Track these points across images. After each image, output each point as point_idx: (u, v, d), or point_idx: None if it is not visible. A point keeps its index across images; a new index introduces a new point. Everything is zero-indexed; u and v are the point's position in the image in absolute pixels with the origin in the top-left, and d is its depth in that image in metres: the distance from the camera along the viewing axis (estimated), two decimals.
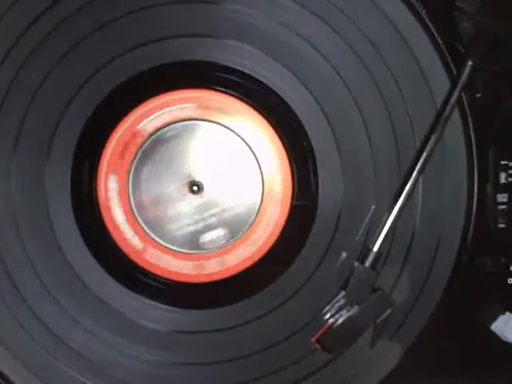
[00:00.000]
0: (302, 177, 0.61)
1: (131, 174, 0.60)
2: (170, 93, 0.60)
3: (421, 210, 0.60)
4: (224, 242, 0.60)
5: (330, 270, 0.60)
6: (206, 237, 0.60)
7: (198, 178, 0.60)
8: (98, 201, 0.60)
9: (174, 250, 0.60)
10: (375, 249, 0.57)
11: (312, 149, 0.60)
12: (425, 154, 0.57)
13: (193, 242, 0.60)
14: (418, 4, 0.59)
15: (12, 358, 0.60)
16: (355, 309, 0.57)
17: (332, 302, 0.58)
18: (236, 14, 0.59)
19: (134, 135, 0.60)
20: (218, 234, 0.60)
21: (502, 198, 0.62)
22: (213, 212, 0.60)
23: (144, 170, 0.60)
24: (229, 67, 0.60)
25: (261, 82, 0.60)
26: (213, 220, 0.60)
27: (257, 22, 0.59)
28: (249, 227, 0.60)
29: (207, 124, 0.60)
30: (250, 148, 0.60)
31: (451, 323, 0.61)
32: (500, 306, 0.62)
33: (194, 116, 0.60)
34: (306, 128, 0.60)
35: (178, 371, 0.61)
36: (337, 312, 0.58)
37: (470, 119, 0.60)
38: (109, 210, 0.60)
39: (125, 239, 0.60)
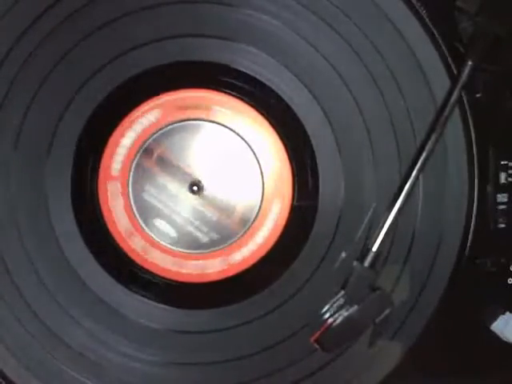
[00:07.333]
0: (303, 177, 0.61)
1: (131, 173, 0.60)
2: (170, 93, 0.60)
3: (421, 209, 0.60)
4: (224, 242, 0.61)
5: (329, 270, 0.60)
6: (206, 237, 0.60)
7: (198, 178, 0.60)
8: (98, 201, 0.60)
9: (174, 250, 0.60)
10: (374, 248, 0.57)
11: (312, 149, 0.60)
12: (425, 154, 0.57)
13: (193, 241, 0.60)
14: (418, 4, 0.59)
15: (12, 357, 0.60)
16: (354, 308, 0.57)
17: (331, 302, 0.58)
18: (237, 15, 0.59)
19: (135, 135, 0.60)
20: (218, 234, 0.60)
21: (502, 198, 0.61)
22: (213, 212, 0.60)
23: (144, 170, 0.60)
24: (229, 67, 0.60)
25: (261, 82, 0.60)
26: (213, 220, 0.60)
27: (257, 23, 0.59)
28: (249, 227, 0.60)
29: (207, 124, 0.60)
30: (250, 148, 0.60)
31: (451, 323, 0.61)
32: (500, 306, 0.62)
33: (195, 116, 0.60)
34: (306, 128, 0.60)
35: (178, 371, 0.61)
36: (336, 311, 0.58)
37: (470, 119, 0.60)
38: (109, 209, 0.60)
39: (125, 239, 0.60)
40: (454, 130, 0.59)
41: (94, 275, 0.60)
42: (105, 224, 0.60)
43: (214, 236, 0.60)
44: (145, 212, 0.60)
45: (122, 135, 0.60)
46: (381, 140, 0.60)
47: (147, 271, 0.61)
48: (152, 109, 0.60)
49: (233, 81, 0.60)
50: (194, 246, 0.61)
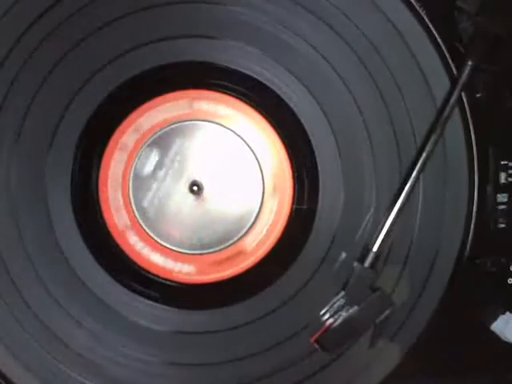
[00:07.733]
0: (303, 177, 0.61)
1: (132, 173, 0.60)
2: (170, 93, 0.60)
3: (421, 210, 0.60)
4: (224, 242, 0.60)
5: (330, 271, 0.60)
6: (206, 237, 0.60)
7: (198, 179, 0.60)
8: (99, 201, 0.60)
9: (173, 250, 0.60)
10: (375, 249, 0.57)
11: (312, 149, 0.60)
12: (425, 154, 0.57)
13: (192, 242, 0.60)
14: (418, 4, 0.59)
15: (12, 357, 0.60)
16: (355, 309, 0.57)
17: (331, 302, 0.58)
18: (236, 15, 0.59)
19: (135, 135, 0.60)
20: (217, 234, 0.60)
21: (502, 198, 0.61)
22: (213, 212, 0.60)
23: (145, 170, 0.60)
24: (229, 67, 0.60)
25: (261, 83, 0.60)
26: (213, 220, 0.60)
27: (256, 23, 0.59)
28: (249, 228, 0.60)
29: (207, 124, 0.60)
30: (250, 149, 0.60)
31: (451, 323, 0.61)
32: (500, 306, 0.62)
33: (195, 116, 0.60)
34: (306, 128, 0.60)
35: (178, 372, 0.61)
36: (336, 312, 0.58)
37: (470, 119, 0.60)
38: (109, 210, 0.60)
39: (125, 239, 0.60)
40: (454, 129, 0.59)
41: (94, 275, 0.60)
42: (105, 224, 0.60)
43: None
44: (145, 212, 0.60)
45: (123, 136, 0.60)
46: (381, 140, 0.60)
47: (147, 271, 0.61)
48: (152, 109, 0.60)
49: (232, 81, 0.60)
50: (193, 246, 0.60)
